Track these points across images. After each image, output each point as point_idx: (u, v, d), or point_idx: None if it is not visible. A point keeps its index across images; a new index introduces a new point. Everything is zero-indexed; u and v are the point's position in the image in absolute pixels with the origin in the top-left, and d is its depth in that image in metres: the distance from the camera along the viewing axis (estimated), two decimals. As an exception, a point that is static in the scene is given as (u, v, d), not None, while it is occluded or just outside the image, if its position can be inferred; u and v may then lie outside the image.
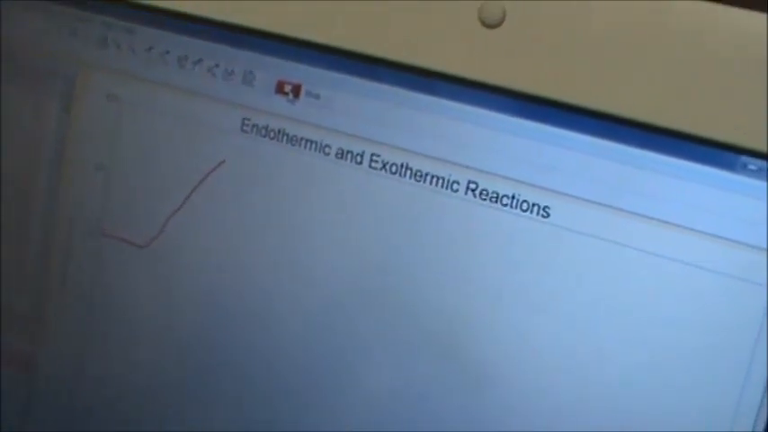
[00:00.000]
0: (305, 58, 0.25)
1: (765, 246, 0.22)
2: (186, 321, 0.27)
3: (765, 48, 0.21)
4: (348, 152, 0.25)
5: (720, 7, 0.21)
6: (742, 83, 0.21)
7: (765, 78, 0.21)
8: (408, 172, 0.24)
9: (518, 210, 0.23)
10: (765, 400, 0.22)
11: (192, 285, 0.27)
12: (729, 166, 0.22)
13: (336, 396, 0.25)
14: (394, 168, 0.24)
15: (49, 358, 0.28)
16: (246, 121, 0.26)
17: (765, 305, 0.22)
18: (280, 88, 0.25)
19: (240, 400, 0.26)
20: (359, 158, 0.24)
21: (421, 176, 0.24)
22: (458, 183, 0.24)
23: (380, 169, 0.24)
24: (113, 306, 0.27)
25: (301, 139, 0.25)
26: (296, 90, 0.25)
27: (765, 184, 0.22)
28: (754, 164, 0.22)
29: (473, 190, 0.24)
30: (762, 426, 0.22)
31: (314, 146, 0.25)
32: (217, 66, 0.26)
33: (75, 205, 0.28)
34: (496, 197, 0.23)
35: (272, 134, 0.25)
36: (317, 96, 0.25)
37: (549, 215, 0.23)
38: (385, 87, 0.24)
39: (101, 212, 0.27)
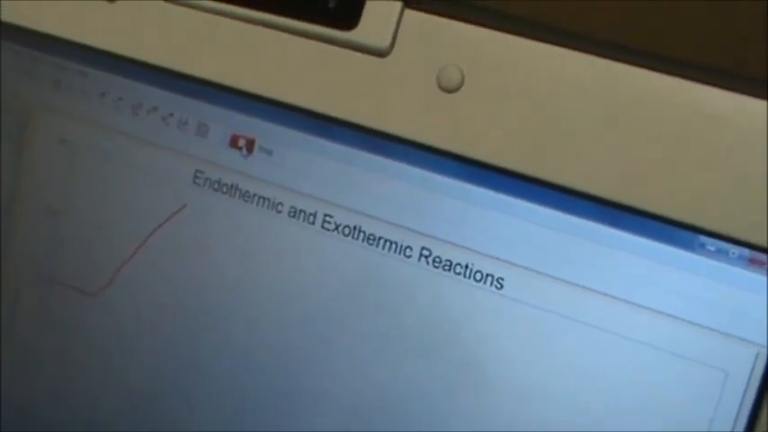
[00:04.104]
0: (259, 112, 0.24)
1: (727, 330, 0.21)
2: (136, 372, 0.26)
3: (727, 126, 0.20)
4: (301, 211, 0.24)
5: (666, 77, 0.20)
6: (700, 162, 0.20)
7: (724, 159, 0.20)
8: (361, 235, 0.23)
9: (471, 280, 0.23)
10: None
11: (141, 337, 0.26)
12: (687, 246, 0.21)
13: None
14: (347, 230, 0.24)
15: (-5, 405, 0.28)
16: (199, 174, 0.25)
17: (720, 388, 0.21)
18: (234, 142, 0.24)
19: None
20: (311, 218, 0.24)
21: (374, 240, 0.23)
22: (411, 249, 0.23)
23: (333, 230, 0.24)
24: (62, 355, 0.27)
25: (254, 195, 0.24)
26: (249, 145, 0.24)
27: (723, 264, 0.21)
28: (712, 244, 0.21)
29: (426, 257, 0.23)
30: None
31: (266, 203, 0.24)
32: (171, 115, 0.25)
33: (25, 251, 0.27)
34: (449, 266, 0.23)
35: (224, 188, 0.25)
36: (270, 152, 0.24)
37: (502, 287, 0.22)
38: (340, 147, 0.23)
39: (50, 259, 0.27)
